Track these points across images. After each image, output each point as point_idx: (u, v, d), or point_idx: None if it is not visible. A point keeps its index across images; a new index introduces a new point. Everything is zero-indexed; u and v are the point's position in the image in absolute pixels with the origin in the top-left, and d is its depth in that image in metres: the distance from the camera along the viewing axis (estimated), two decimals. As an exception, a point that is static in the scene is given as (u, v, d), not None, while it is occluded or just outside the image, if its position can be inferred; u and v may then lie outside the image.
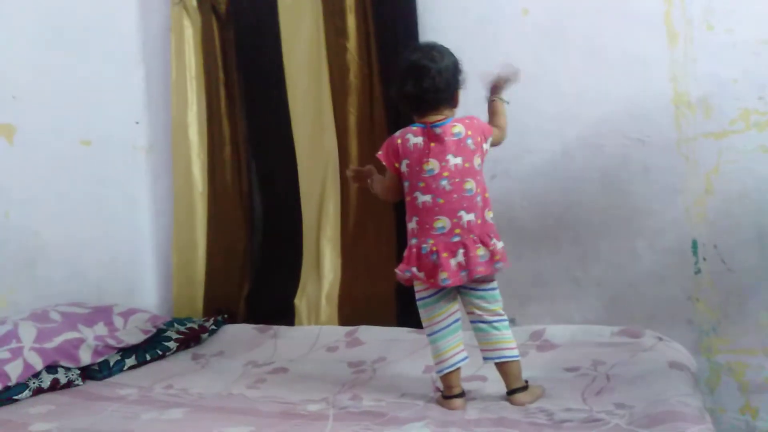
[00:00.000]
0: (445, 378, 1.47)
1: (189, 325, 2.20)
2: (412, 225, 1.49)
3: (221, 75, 2.43)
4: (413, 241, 1.48)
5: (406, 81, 1.47)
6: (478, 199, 1.47)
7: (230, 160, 2.43)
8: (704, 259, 1.80)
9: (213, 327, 2.24)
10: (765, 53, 1.70)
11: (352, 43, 2.18)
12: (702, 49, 1.78)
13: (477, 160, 1.48)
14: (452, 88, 1.49)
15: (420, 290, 1.51)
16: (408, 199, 1.50)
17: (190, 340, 2.14)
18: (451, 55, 1.50)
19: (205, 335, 2.19)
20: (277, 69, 2.32)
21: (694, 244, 1.81)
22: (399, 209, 2.16)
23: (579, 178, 1.93)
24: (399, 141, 1.50)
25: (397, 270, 1.50)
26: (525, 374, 1.50)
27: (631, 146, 1.86)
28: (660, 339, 1.71)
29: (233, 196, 2.42)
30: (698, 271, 1.80)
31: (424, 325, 1.52)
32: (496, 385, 1.53)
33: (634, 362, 1.60)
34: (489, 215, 1.50)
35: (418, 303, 1.52)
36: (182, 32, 2.47)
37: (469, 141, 1.47)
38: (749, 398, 1.75)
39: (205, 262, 2.45)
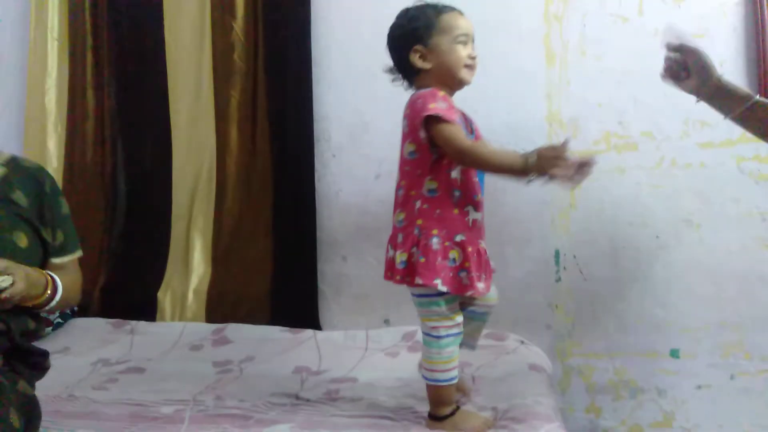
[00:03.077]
0: (449, 390, 1.29)
1: (29, 317, 1.95)
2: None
3: (89, 40, 2.19)
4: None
5: None
6: (400, 194, 1.32)
7: (93, 135, 2.20)
8: (564, 268, 1.92)
9: (58, 320, 2.00)
10: (626, 82, 1.86)
11: (239, 23, 2.07)
12: (575, 72, 1.90)
13: (408, 147, 1.30)
14: (400, 58, 1.35)
15: None
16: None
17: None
18: (399, 17, 1.37)
19: (48, 329, 1.95)
20: (157, 41, 2.14)
21: (557, 254, 1.93)
22: (279, 202, 2.09)
23: (458, 184, 1.98)
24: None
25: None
26: (397, 374, 1.50)
27: (507, 157, 1.95)
28: (522, 342, 1.80)
29: (93, 175, 2.19)
30: (559, 280, 1.93)
31: (443, 324, 1.26)
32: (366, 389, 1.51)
33: (498, 364, 1.67)
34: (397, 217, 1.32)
35: (446, 297, 1.26)
36: (45, -12, 2.20)
37: (405, 120, 1.31)
38: (594, 399, 1.90)
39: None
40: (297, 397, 1.49)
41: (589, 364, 1.91)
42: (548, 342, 1.90)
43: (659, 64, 1.35)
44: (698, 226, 1.82)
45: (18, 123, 2.27)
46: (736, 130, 1.77)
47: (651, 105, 1.84)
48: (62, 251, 1.24)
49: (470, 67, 1.35)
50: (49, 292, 1.13)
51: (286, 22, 2.05)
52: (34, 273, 1.12)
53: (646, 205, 1.85)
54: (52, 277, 1.16)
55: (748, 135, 1.41)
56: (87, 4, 2.19)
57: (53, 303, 1.16)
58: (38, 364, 1.21)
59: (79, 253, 1.29)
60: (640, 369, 1.87)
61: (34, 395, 1.18)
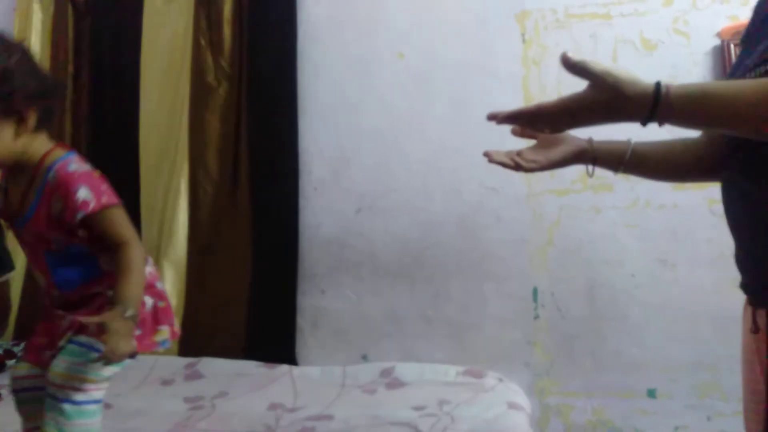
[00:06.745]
0: None
1: (-8, 349, 1.87)
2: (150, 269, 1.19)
3: (71, 68, 2.19)
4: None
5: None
6: None
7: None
8: (543, 305, 1.93)
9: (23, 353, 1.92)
10: (602, 127, 1.91)
11: (225, 59, 2.10)
12: (552, 114, 1.96)
13: None
14: None
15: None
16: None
17: (-9, 367, 1.82)
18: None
19: (11, 362, 1.87)
20: (133, 72, 2.15)
21: (535, 291, 1.94)
22: (259, 234, 2.07)
23: (437, 220, 2.00)
24: None
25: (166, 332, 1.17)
26: (374, 412, 1.47)
27: (486, 195, 1.98)
28: (500, 380, 1.79)
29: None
30: (537, 317, 1.93)
31: (100, 387, 1.13)
32: None
33: (476, 402, 1.65)
34: None
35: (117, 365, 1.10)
36: (29, 15, 2.21)
37: None
38: (573, 439, 1.89)
39: (23, 277, 2.12)
40: (271, 435, 1.44)
41: (568, 403, 1.90)
42: (527, 380, 1.89)
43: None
44: (673, 266, 1.85)
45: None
46: (707, 173, 1.83)
47: (625, 147, 1.89)
48: None
49: None
50: None
51: (271, 57, 2.07)
52: None
53: (622, 245, 1.88)
54: None
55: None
56: (71, 35, 2.19)
57: None
58: None
59: None
60: (618, 409, 1.86)
61: None
